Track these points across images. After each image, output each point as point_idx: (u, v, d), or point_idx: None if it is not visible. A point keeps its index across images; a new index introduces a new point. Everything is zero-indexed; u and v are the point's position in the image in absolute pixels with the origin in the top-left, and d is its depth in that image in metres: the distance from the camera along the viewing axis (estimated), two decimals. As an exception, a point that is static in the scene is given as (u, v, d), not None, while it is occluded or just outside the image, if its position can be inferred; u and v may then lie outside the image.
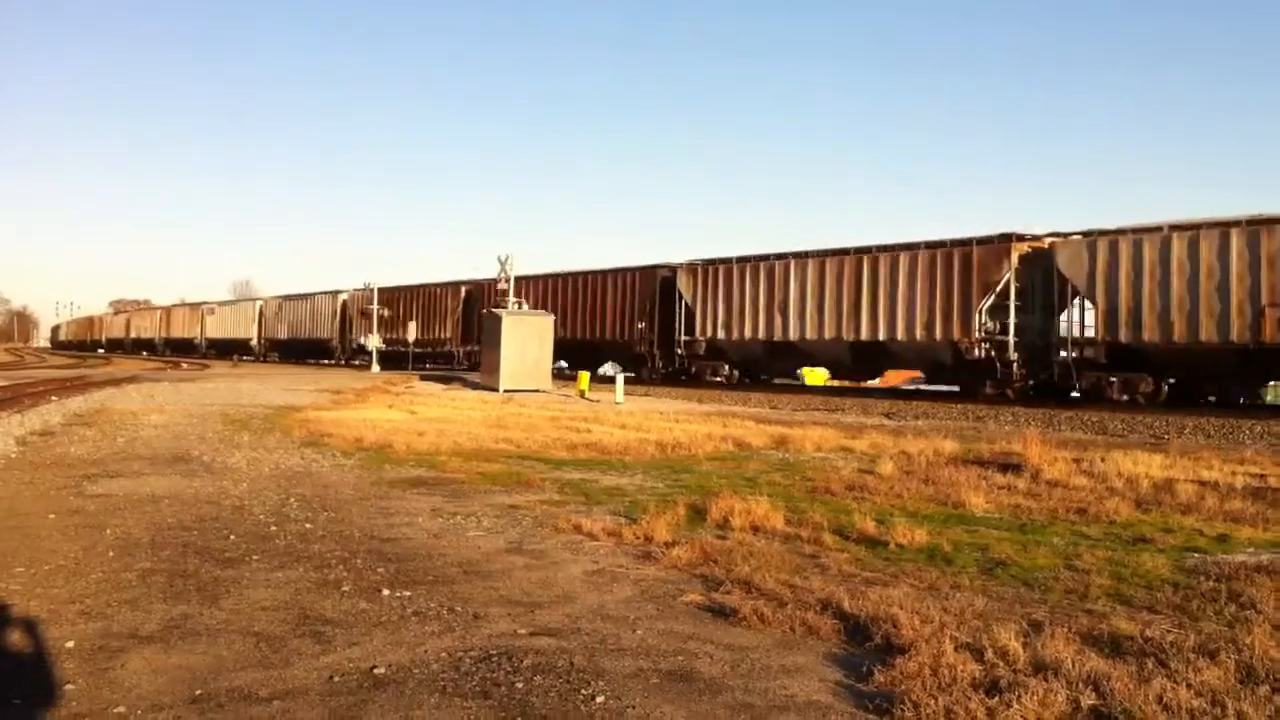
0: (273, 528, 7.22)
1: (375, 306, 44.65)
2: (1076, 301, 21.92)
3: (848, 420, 19.51)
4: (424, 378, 33.88)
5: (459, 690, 3.90)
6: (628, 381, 28.32)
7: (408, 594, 5.38)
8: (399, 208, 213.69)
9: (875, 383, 30.97)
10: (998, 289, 22.48)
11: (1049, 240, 22.32)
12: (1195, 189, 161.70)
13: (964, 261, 22.95)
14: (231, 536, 6.85)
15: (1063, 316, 22.17)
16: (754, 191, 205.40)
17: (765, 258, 27.97)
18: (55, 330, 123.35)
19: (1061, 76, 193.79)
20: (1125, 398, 20.74)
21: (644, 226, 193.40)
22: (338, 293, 51.66)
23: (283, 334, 57.31)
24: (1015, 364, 22.53)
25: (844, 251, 25.95)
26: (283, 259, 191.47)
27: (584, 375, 27.65)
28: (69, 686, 3.88)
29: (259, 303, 62.22)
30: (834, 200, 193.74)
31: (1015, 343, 22.47)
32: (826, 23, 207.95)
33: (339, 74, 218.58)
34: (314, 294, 54.67)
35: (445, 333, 42.81)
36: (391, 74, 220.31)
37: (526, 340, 28.23)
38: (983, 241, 22.89)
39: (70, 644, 4.38)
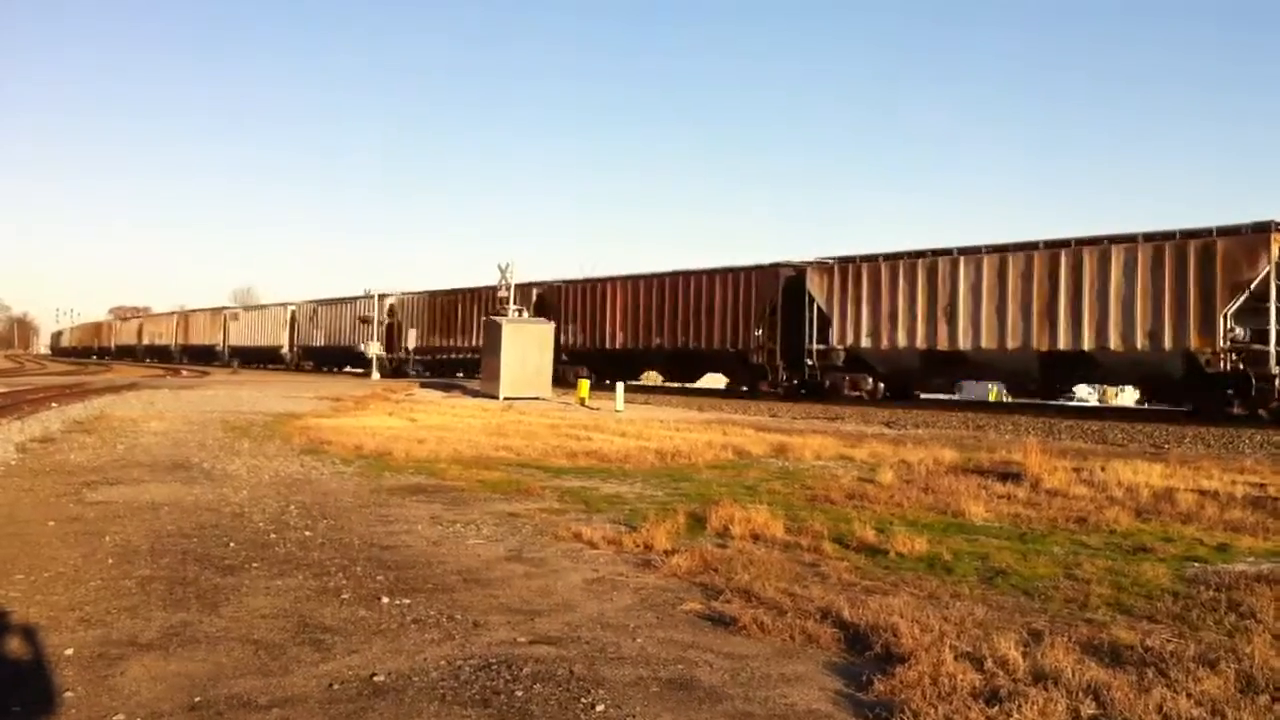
0: (272, 535, 7.22)
1: (381, 315, 43.12)
2: None
3: (847, 429, 19.50)
4: (424, 385, 33.88)
5: (458, 698, 3.90)
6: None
7: (407, 602, 5.38)
8: (402, 212, 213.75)
9: (1092, 401, 26.01)
10: (1251, 288, 18.35)
11: None
12: None
13: (1202, 255, 18.99)
14: (231, 544, 6.85)
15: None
16: (755, 198, 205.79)
17: (923, 254, 23.66)
18: (56, 337, 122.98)
19: (1064, 82, 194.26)
20: None
21: (644, 230, 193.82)
22: (385, 296, 45.47)
23: (319, 341, 52.62)
24: (1279, 379, 18.43)
25: (1032, 246, 21.71)
26: (283, 266, 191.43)
27: (584, 383, 27.58)
28: (68, 694, 3.87)
29: (291, 307, 57.22)
30: (836, 205, 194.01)
31: (1278, 354, 18.24)
32: (826, 27, 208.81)
33: (339, 74, 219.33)
34: (355, 298, 48.48)
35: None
36: (391, 75, 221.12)
37: (527, 348, 28.21)
38: (1228, 231, 18.87)
39: (69, 651, 4.38)
